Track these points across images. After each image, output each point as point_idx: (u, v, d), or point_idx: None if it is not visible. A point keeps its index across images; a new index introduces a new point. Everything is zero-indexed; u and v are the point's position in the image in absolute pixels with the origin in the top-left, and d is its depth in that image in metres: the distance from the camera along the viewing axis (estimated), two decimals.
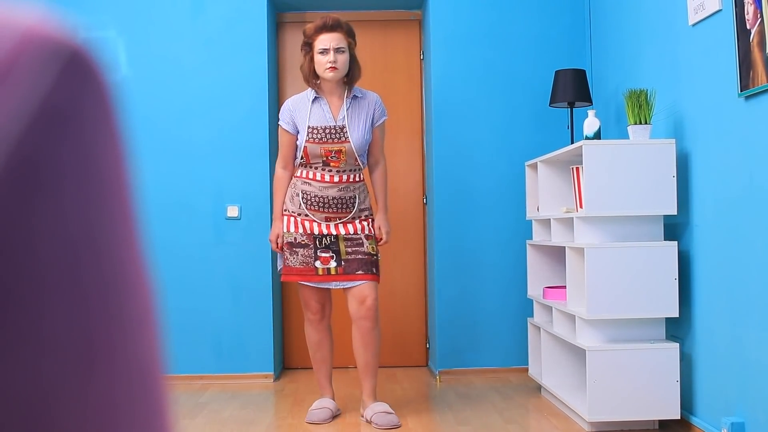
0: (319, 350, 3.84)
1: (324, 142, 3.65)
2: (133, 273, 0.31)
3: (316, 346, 3.84)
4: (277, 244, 3.75)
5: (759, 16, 2.79)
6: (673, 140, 3.42)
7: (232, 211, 4.78)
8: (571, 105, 4.38)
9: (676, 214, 3.43)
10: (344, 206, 3.69)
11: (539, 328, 4.21)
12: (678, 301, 3.38)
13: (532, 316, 4.56)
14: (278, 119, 3.84)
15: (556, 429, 3.57)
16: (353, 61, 3.71)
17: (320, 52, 3.62)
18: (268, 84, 4.83)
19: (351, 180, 3.71)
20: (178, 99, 4.80)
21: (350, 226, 3.70)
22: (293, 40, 5.11)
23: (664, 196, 3.41)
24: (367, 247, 3.69)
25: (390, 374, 4.89)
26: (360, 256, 3.67)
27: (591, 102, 4.37)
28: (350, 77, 3.71)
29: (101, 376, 0.28)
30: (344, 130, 3.66)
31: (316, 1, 5.07)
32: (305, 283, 3.71)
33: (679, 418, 3.38)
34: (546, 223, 4.27)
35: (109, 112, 0.30)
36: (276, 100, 5.05)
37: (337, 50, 3.62)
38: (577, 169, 3.66)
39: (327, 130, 3.66)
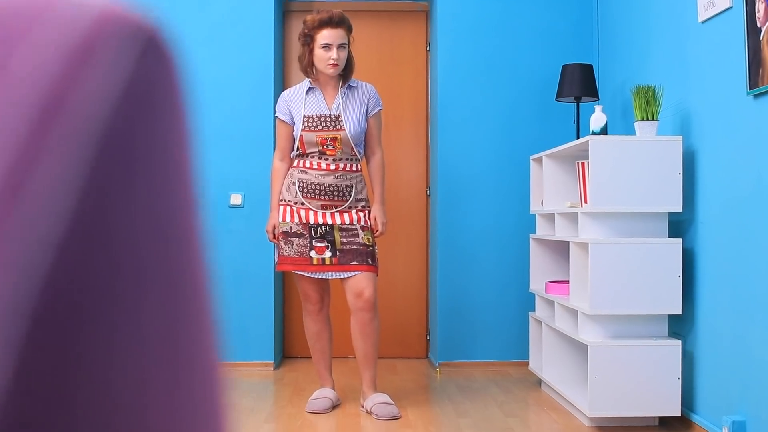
0: (318, 341, 3.84)
1: (319, 130, 3.65)
2: (197, 265, 0.30)
3: (315, 337, 3.84)
4: (273, 234, 3.75)
5: None
6: (680, 137, 3.42)
7: (236, 200, 4.77)
8: (578, 100, 4.36)
9: (681, 211, 3.43)
10: (340, 194, 3.68)
11: (541, 323, 4.21)
12: (681, 298, 3.38)
13: (533, 310, 4.55)
14: (275, 111, 3.85)
15: (555, 423, 3.57)
16: (349, 55, 3.72)
17: (323, 47, 3.62)
18: (273, 73, 4.82)
19: (348, 169, 3.70)
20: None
21: (346, 216, 3.69)
22: (300, 30, 5.07)
23: (670, 193, 3.40)
24: (363, 238, 3.68)
25: (390, 365, 4.90)
26: (355, 247, 3.67)
27: (597, 97, 4.36)
28: (346, 70, 3.72)
29: (185, 373, 0.28)
30: (339, 119, 3.66)
31: None
32: (301, 273, 3.71)
33: (680, 415, 3.38)
34: (550, 217, 4.27)
35: (181, 97, 0.29)
36: (281, 89, 5.04)
37: (340, 47, 3.63)
38: (583, 164, 3.65)
39: (322, 119, 3.66)
